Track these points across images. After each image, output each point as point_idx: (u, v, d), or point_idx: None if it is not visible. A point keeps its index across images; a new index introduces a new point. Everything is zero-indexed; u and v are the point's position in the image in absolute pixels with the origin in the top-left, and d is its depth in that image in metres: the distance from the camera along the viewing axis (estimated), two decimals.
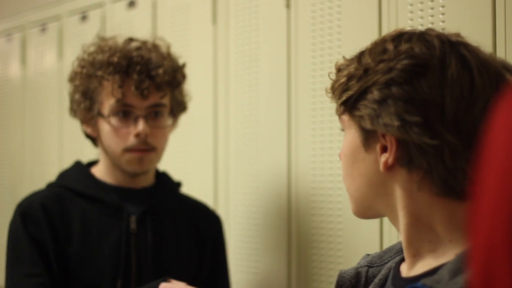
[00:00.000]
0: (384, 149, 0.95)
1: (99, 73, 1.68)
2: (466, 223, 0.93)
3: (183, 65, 1.81)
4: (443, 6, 1.60)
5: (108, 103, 1.68)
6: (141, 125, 1.67)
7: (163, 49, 1.78)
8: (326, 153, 1.86)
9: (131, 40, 1.77)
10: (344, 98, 0.98)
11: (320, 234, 1.88)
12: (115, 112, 1.69)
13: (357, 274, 1.09)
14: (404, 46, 0.94)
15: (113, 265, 1.68)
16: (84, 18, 2.72)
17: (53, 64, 2.85)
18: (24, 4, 3.22)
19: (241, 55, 2.13)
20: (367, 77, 0.95)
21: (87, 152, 2.70)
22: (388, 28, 1.70)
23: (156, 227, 1.74)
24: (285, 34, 1.98)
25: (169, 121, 1.77)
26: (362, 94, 0.95)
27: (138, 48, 1.72)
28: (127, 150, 1.70)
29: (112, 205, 1.71)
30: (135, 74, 1.66)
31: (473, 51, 0.95)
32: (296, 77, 1.95)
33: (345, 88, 0.98)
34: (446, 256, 0.94)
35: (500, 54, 1.49)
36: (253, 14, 2.10)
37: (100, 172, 1.78)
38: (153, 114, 1.71)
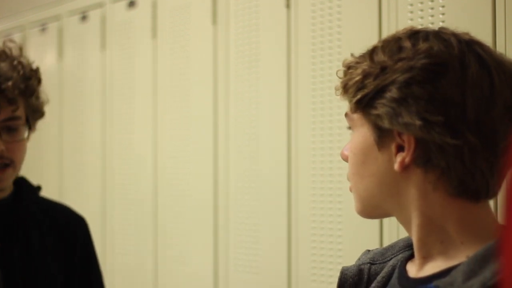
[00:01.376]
0: (399, 149, 0.94)
1: None
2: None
3: (37, 70, 1.68)
4: (443, 6, 1.60)
5: None
6: None
7: (14, 54, 1.64)
8: (326, 152, 1.86)
9: None
10: (359, 96, 0.96)
11: (320, 234, 1.88)
12: None
13: (359, 271, 1.08)
14: (423, 45, 0.93)
15: None
16: (84, 18, 2.72)
17: (53, 64, 2.85)
18: (24, 4, 3.22)
19: (241, 55, 2.13)
20: (384, 75, 0.93)
21: (87, 150, 2.70)
22: (388, 28, 1.70)
23: (22, 239, 1.63)
24: (285, 34, 1.98)
25: (25, 132, 1.63)
26: (379, 92, 0.94)
27: None
28: None
29: None
30: None
31: (488, 51, 0.95)
32: (296, 77, 1.95)
33: (360, 86, 0.96)
34: (457, 258, 0.93)
35: None
36: (253, 14, 2.10)
37: None
38: (7, 129, 1.58)
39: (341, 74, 1.00)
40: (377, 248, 1.12)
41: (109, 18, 2.62)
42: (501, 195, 1.50)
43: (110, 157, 2.60)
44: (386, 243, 1.70)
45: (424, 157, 0.93)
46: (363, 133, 0.98)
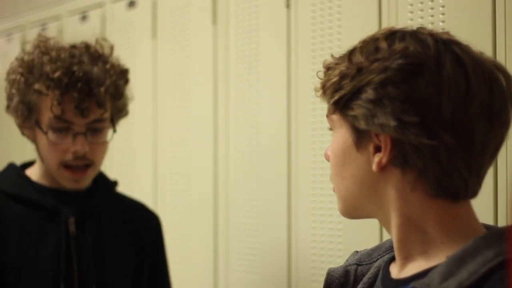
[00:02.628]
0: (377, 149, 0.94)
1: (38, 86, 1.60)
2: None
3: (126, 71, 1.72)
4: (443, 6, 1.60)
5: (46, 116, 1.60)
6: (79, 143, 1.60)
7: (106, 54, 1.68)
8: None
9: (73, 47, 1.67)
10: (336, 97, 0.96)
11: (320, 234, 1.88)
12: (53, 128, 1.61)
13: (346, 272, 1.08)
14: (398, 45, 0.93)
15: (54, 270, 1.62)
16: (84, 18, 2.72)
17: None
18: (24, 4, 3.22)
19: (241, 55, 2.13)
20: (360, 76, 0.94)
21: None
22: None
23: (95, 229, 1.69)
24: (285, 34, 1.98)
25: (109, 133, 1.68)
26: (355, 93, 0.94)
27: (80, 61, 1.62)
28: (64, 165, 1.63)
29: (49, 208, 1.65)
30: (75, 92, 1.57)
31: (466, 50, 0.94)
32: (296, 77, 1.95)
33: (337, 87, 0.96)
34: (437, 258, 0.93)
35: (500, 54, 1.49)
36: (253, 14, 2.10)
37: (35, 174, 1.71)
38: (93, 130, 1.63)
39: (321, 75, 1.01)
40: (365, 249, 1.11)
41: (109, 18, 2.62)
42: (503, 196, 1.51)
43: (109, 157, 2.60)
44: None
45: (401, 158, 0.92)
46: (342, 134, 0.98)
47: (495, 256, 0.88)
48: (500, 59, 1.48)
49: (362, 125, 0.94)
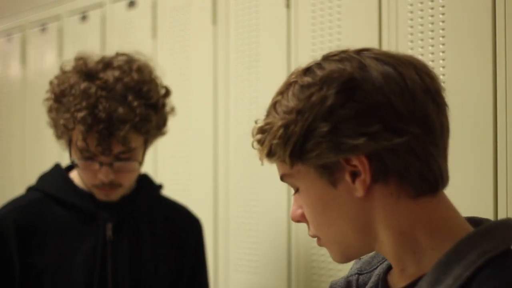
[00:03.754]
0: (354, 175, 0.93)
1: (64, 120, 1.61)
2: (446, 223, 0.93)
3: (165, 95, 1.71)
4: (443, 6, 1.60)
5: (74, 145, 1.64)
6: (103, 173, 1.62)
7: (145, 78, 1.65)
8: None
9: (108, 65, 1.64)
10: (290, 148, 0.93)
11: None
12: (80, 158, 1.63)
13: (347, 283, 1.08)
14: (321, 73, 0.93)
15: (88, 274, 1.64)
16: (84, 18, 2.72)
17: (53, 64, 2.85)
18: (24, 4, 3.22)
19: (241, 55, 2.13)
20: (303, 116, 0.92)
21: None
22: (388, 28, 1.70)
23: (133, 234, 1.71)
24: (285, 34, 1.98)
25: (138, 162, 1.67)
26: (307, 134, 0.92)
27: (107, 97, 1.58)
28: (95, 186, 1.67)
29: (88, 212, 1.68)
30: (96, 133, 1.57)
31: (380, 51, 0.96)
32: None
33: (286, 139, 0.93)
34: (428, 265, 0.93)
35: (500, 54, 1.49)
36: (253, 14, 2.10)
37: (78, 177, 1.73)
38: (120, 159, 1.63)
39: (256, 144, 0.98)
40: (365, 256, 1.10)
41: (109, 18, 2.62)
42: (503, 196, 1.50)
43: None
44: None
45: (381, 168, 0.92)
46: (311, 181, 0.96)
47: (477, 257, 0.89)
48: (500, 59, 1.48)
49: (330, 158, 0.92)
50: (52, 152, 2.82)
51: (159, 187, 1.84)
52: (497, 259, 0.89)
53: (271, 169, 2.06)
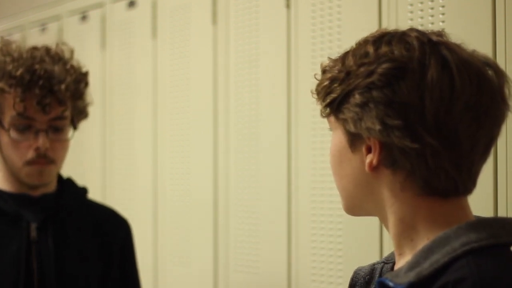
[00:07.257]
0: (369, 150, 0.97)
1: (0, 85, 1.63)
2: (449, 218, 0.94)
3: (86, 73, 1.77)
4: (443, 6, 1.60)
5: (8, 115, 1.64)
6: (41, 140, 1.63)
7: (67, 56, 1.72)
8: (326, 152, 1.85)
9: (35, 49, 1.71)
10: (328, 100, 0.99)
11: (320, 234, 1.88)
12: (16, 125, 1.64)
13: (372, 270, 1.10)
14: (383, 49, 0.95)
15: (13, 276, 1.62)
16: (84, 18, 2.72)
17: None
18: (24, 4, 3.22)
19: (241, 55, 2.13)
20: (349, 80, 0.96)
21: (87, 149, 2.70)
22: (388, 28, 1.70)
23: (58, 235, 1.70)
24: (285, 34, 1.98)
25: (69, 132, 1.72)
26: (345, 97, 0.97)
27: (41, 60, 1.66)
28: (27, 163, 1.66)
29: (10, 213, 1.67)
30: (37, 89, 1.61)
31: (454, 51, 0.95)
32: (296, 77, 1.95)
33: (328, 91, 0.99)
34: None
35: (500, 54, 1.49)
36: (253, 14, 2.10)
37: None
38: (54, 128, 1.67)
39: (319, 77, 1.03)
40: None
41: (109, 18, 2.62)
42: (504, 195, 1.50)
43: (110, 157, 2.61)
44: (386, 242, 1.70)
45: (390, 159, 0.95)
46: (338, 135, 1.02)
47: (460, 246, 0.90)
48: (500, 59, 1.49)
49: (352, 128, 0.97)
50: None
51: (84, 190, 1.83)
52: (478, 251, 0.90)
53: (271, 169, 2.07)
